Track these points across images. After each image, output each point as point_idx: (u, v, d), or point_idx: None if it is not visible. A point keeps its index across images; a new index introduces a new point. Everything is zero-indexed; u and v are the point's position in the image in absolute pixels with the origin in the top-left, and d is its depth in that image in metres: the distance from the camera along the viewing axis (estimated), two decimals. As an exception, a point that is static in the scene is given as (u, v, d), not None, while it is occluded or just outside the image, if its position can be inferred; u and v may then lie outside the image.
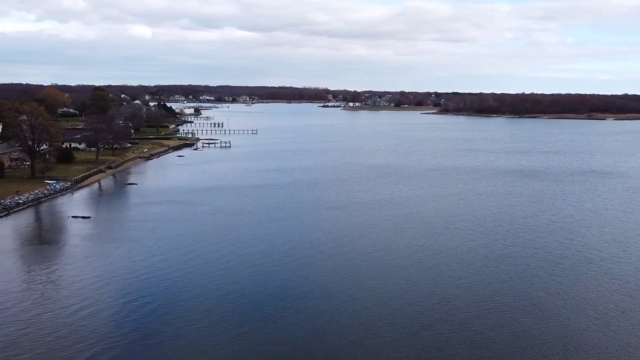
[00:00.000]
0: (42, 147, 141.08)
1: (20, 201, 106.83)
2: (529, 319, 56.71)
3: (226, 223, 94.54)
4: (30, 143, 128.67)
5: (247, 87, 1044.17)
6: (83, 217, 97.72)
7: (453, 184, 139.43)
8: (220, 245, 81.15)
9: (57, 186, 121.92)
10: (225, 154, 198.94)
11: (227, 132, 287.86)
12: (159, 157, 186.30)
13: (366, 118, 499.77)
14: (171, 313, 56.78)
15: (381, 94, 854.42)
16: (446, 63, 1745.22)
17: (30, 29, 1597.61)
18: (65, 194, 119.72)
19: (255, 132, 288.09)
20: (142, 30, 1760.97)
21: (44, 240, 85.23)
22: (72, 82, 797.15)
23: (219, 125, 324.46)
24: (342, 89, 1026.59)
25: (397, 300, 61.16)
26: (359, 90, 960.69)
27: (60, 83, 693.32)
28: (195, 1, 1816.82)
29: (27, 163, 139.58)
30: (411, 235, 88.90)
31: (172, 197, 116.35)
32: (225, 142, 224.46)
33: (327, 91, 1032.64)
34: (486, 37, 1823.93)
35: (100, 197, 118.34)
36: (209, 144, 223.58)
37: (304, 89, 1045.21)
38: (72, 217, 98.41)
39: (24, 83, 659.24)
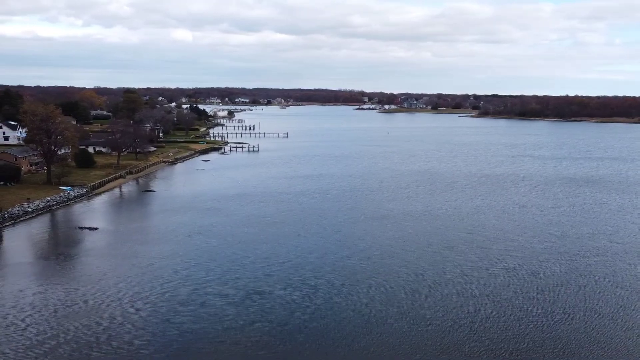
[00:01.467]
0: (59, 152, 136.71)
1: (30, 209, 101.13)
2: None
3: (243, 237, 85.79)
4: (46, 147, 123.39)
5: (282, 89, 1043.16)
6: (90, 229, 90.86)
7: (495, 195, 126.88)
8: (237, 263, 72.37)
9: (72, 193, 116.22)
10: (253, 158, 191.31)
11: (258, 135, 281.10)
12: (183, 161, 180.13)
13: (402, 121, 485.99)
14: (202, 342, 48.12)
15: (418, 97, 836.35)
16: (486, 65, 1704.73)
17: (77, 34, 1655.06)
18: (79, 201, 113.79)
19: (285, 135, 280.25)
20: (183, 34, 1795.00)
21: (41, 255, 78.31)
22: (115, 85, 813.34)
23: (250, 129, 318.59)
24: (378, 91, 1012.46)
25: (453, 332, 50.72)
26: (395, 92, 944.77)
27: (102, 86, 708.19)
28: (236, 5, 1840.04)
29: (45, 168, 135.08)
30: (450, 256, 77.84)
31: (189, 207, 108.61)
32: (254, 146, 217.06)
33: (362, 93, 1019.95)
34: (529, 38, 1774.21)
35: (113, 206, 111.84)
36: (236, 148, 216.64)
37: (339, 92, 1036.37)
38: (79, 228, 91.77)
39: (68, 86, 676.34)
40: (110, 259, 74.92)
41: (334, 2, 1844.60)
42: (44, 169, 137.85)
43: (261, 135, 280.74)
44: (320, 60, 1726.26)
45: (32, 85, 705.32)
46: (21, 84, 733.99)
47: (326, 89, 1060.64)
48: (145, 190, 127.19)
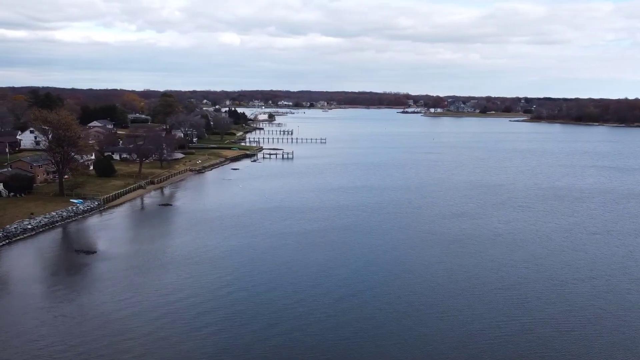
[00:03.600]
0: (81, 159, 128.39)
1: (29, 226, 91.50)
2: None
3: (258, 266, 72.60)
4: (58, 156, 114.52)
5: (326, 92, 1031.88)
6: (87, 252, 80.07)
7: (558, 216, 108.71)
8: (248, 302, 59.16)
9: (81, 207, 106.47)
10: (285, 167, 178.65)
11: (295, 141, 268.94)
12: (211, 169, 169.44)
13: (448, 125, 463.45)
14: None
15: (465, 100, 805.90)
16: (538, 67, 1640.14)
17: (131, 39, 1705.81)
18: (88, 216, 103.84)
19: (323, 141, 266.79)
20: (231, 38, 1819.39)
21: (14, 289, 67.50)
22: (164, 88, 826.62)
23: (288, 133, 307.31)
24: (423, 94, 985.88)
25: None
26: (441, 95, 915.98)
27: (152, 89, 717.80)
28: (282, 9, 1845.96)
29: (66, 177, 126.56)
30: (512, 297, 61.85)
31: (203, 224, 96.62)
32: (288, 153, 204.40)
33: (407, 96, 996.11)
34: (584, 39, 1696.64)
35: (122, 223, 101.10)
36: (270, 154, 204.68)
37: (384, 94, 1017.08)
38: (76, 251, 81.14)
39: (119, 89, 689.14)
40: (97, 295, 63.16)
41: (380, 4, 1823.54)
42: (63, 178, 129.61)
43: (298, 140, 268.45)
44: (365, 63, 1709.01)
45: (85, 88, 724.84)
46: (74, 86, 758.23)
47: (370, 92, 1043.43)
48: (163, 204, 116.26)
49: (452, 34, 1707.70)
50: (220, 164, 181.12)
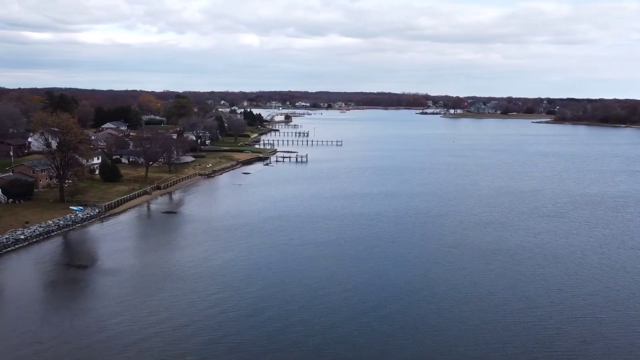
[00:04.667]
0: (87, 162, 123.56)
1: (22, 237, 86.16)
2: None
3: (260, 289, 65.81)
4: (57, 161, 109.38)
5: (344, 92, 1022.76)
6: (78, 267, 74.29)
7: (589, 227, 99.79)
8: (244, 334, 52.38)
9: (80, 214, 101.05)
10: (299, 171, 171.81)
11: (310, 143, 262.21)
12: (222, 173, 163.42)
13: (468, 127, 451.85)
14: None
15: (485, 100, 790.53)
16: (560, 67, 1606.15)
17: (152, 40, 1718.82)
18: (88, 225, 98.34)
19: (339, 143, 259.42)
20: (251, 39, 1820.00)
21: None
22: (183, 89, 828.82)
23: (304, 135, 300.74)
24: (443, 94, 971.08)
25: None
26: (461, 96, 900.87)
27: (171, 89, 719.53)
28: (302, 10, 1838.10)
29: (69, 181, 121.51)
30: (550, 327, 53.98)
31: (205, 235, 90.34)
32: (302, 157, 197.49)
33: (426, 97, 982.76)
34: (608, 38, 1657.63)
35: (121, 233, 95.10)
36: (283, 158, 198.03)
37: (402, 95, 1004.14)
38: (67, 265, 75.45)
39: (138, 90, 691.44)
40: (81, 319, 56.96)
41: (401, 4, 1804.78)
42: (66, 183, 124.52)
43: (314, 143, 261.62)
44: (385, 64, 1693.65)
45: (105, 89, 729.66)
46: (95, 88, 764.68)
47: (389, 93, 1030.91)
48: (167, 212, 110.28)
49: (472, 34, 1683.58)
50: (232, 167, 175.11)
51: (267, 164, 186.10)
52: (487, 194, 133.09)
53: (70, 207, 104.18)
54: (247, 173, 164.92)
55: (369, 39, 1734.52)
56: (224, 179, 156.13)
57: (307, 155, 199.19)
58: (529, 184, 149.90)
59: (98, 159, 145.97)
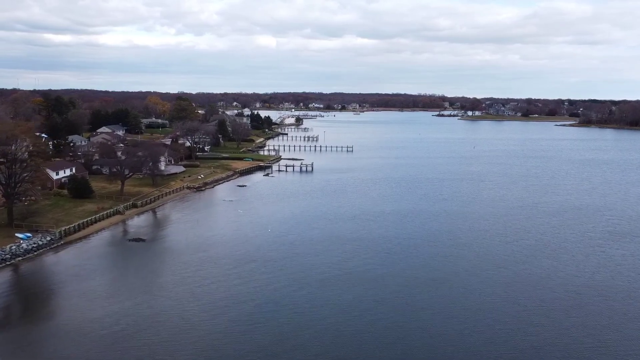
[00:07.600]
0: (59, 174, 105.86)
1: (-63, 278, 68.18)
2: None
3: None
4: (4, 177, 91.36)
5: (359, 94, 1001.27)
6: (-13, 328, 55.83)
7: (661, 267, 78.75)
8: None
9: (24, 244, 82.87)
10: (301, 183, 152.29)
11: (319, 149, 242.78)
12: (214, 186, 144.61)
13: (488, 130, 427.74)
14: None
15: (504, 102, 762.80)
16: (581, 68, 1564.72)
17: (170, 42, 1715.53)
18: (33, 257, 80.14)
19: (350, 149, 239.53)
20: (267, 40, 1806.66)
21: None
22: (199, 90, 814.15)
23: (313, 139, 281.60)
24: (460, 96, 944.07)
25: None
26: (478, 97, 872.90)
27: (186, 91, 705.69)
28: (319, 11, 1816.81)
29: (33, 198, 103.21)
30: None
31: (170, 272, 71.45)
32: (307, 165, 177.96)
33: (443, 98, 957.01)
34: (631, 38, 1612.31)
35: (68, 270, 76.15)
36: (286, 166, 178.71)
37: (419, 97, 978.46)
38: (-26, 324, 57.07)
39: (152, 91, 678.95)
40: None
41: (419, 5, 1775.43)
42: (30, 199, 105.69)
43: (323, 148, 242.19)
44: (401, 65, 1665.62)
45: (118, 91, 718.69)
46: (113, 89, 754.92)
47: (405, 94, 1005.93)
48: (133, 239, 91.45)
49: (491, 35, 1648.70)
50: (227, 178, 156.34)
51: (267, 175, 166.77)
52: (520, 212, 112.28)
53: (16, 235, 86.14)
54: (242, 186, 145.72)
55: (386, 40, 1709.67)
56: (215, 193, 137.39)
57: (312, 164, 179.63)
58: (565, 199, 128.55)
59: (71, 170, 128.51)
